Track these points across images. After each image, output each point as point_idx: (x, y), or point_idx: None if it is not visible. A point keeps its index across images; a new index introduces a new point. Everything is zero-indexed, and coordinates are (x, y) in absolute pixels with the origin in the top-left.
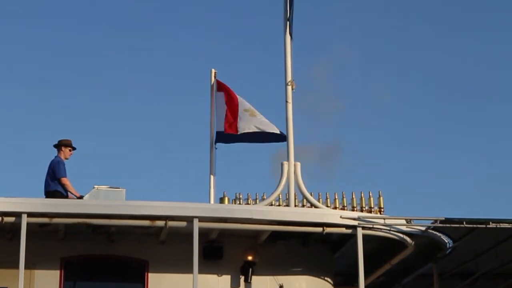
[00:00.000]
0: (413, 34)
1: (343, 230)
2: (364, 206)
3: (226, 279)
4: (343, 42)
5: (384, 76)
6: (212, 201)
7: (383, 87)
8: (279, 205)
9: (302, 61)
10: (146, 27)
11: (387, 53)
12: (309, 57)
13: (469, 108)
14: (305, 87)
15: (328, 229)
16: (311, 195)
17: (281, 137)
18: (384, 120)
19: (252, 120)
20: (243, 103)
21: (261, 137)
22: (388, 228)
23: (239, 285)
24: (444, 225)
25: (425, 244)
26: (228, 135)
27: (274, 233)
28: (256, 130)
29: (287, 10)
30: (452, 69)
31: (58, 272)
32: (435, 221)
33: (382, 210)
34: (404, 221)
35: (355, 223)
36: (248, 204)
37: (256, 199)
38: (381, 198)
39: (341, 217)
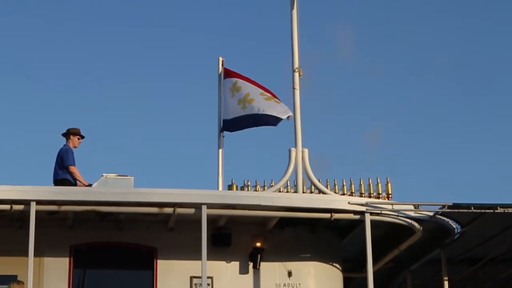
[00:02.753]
0: (418, 22)
1: (351, 216)
2: (372, 192)
3: (234, 265)
4: (352, 32)
5: (390, 60)
6: (220, 188)
7: (389, 74)
8: (287, 191)
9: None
10: (153, 17)
11: (394, 37)
12: (315, 44)
13: (476, 94)
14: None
15: (336, 215)
16: (319, 181)
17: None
18: (391, 107)
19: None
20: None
21: (264, 119)
22: (396, 214)
23: (247, 272)
24: (452, 210)
25: (433, 229)
26: (232, 123)
27: (282, 220)
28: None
29: None
30: (462, 54)
31: (67, 259)
32: (443, 206)
33: (390, 196)
34: (412, 207)
35: (363, 209)
36: (256, 191)
37: (264, 186)
38: (389, 184)
39: (349, 203)
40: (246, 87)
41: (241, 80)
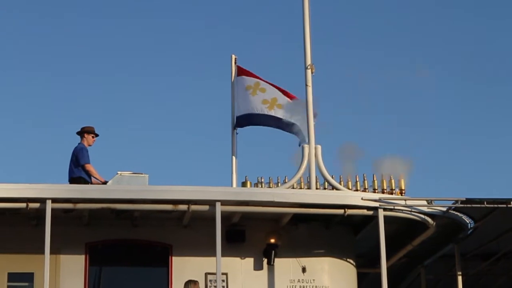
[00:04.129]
0: (429, 12)
1: (365, 211)
2: (385, 188)
3: (249, 261)
4: (361, 22)
5: (403, 56)
6: (234, 185)
7: (402, 67)
8: (300, 188)
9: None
10: (164, 12)
11: (407, 33)
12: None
13: (490, 89)
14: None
15: (350, 211)
16: (332, 177)
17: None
18: (404, 101)
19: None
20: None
21: (282, 125)
22: (409, 209)
23: (262, 268)
24: (465, 205)
25: (447, 224)
26: (247, 118)
27: (296, 216)
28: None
29: None
30: (476, 48)
31: (83, 257)
32: (456, 201)
33: (403, 191)
34: (425, 202)
35: (376, 204)
36: (270, 187)
37: (278, 182)
38: (402, 179)
39: (362, 198)
40: (273, 91)
41: (263, 82)
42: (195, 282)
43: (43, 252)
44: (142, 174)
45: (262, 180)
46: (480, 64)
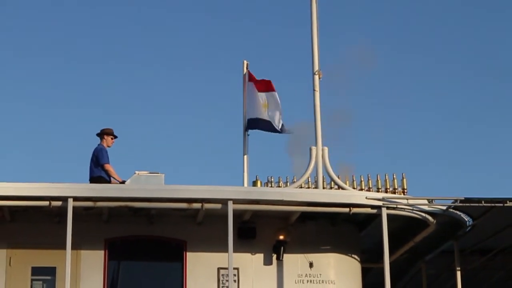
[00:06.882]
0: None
1: (369, 210)
2: (388, 187)
3: (259, 257)
4: (363, 16)
5: (406, 53)
6: (245, 185)
7: (405, 66)
8: (308, 187)
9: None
10: (176, 18)
11: (412, 30)
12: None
13: (491, 88)
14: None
15: (355, 210)
16: (338, 177)
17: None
18: (406, 100)
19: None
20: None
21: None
22: (411, 208)
23: (271, 263)
24: (464, 204)
25: (446, 222)
26: (257, 122)
27: (304, 214)
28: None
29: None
30: (480, 46)
31: (102, 252)
32: (455, 200)
33: (406, 191)
34: (426, 201)
35: (380, 203)
36: (279, 187)
37: (287, 182)
38: (405, 179)
39: (366, 198)
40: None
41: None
42: None
43: (64, 248)
44: (158, 173)
45: (272, 179)
46: (482, 62)
